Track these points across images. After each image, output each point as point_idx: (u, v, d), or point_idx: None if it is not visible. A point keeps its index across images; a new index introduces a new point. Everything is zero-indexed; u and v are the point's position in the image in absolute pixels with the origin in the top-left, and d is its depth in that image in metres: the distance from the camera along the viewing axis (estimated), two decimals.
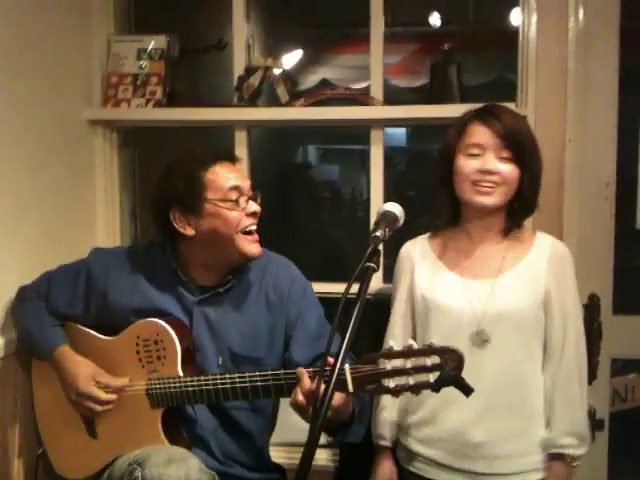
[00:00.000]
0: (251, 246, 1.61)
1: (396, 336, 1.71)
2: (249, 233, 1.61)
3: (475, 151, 1.57)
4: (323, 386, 1.16)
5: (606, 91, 2.11)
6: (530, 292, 1.61)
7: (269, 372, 1.48)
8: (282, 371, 1.48)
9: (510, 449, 1.61)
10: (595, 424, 2.16)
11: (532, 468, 1.63)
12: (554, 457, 1.62)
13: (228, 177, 1.60)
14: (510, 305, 1.60)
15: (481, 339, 1.59)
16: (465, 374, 1.47)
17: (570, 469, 1.64)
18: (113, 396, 1.62)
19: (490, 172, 1.55)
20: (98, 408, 1.62)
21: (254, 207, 1.62)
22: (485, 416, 1.60)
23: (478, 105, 1.67)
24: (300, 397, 1.35)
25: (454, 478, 1.63)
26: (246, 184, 1.63)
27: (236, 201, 1.58)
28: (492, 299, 1.60)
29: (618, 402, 2.18)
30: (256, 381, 1.48)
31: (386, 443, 1.72)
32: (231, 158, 1.66)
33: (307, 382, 1.35)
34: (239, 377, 1.50)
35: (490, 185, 1.56)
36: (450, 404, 1.60)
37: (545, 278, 1.61)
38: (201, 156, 1.62)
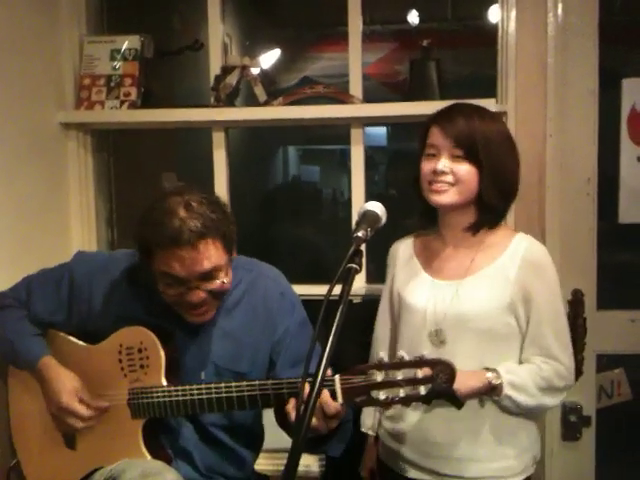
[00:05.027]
0: (195, 318, 1.54)
1: (379, 334, 1.76)
2: (194, 308, 1.52)
3: (431, 151, 1.60)
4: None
5: (586, 86, 2.10)
6: (496, 296, 1.57)
7: (256, 382, 1.45)
8: (270, 381, 1.44)
9: (470, 453, 1.59)
10: (582, 421, 2.15)
11: (498, 475, 1.59)
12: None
13: (173, 266, 1.46)
14: (471, 308, 1.56)
15: (439, 339, 1.58)
16: None
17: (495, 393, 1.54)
18: (93, 412, 1.57)
19: (442, 172, 1.56)
20: (79, 424, 1.58)
21: (195, 298, 1.49)
22: (448, 417, 1.57)
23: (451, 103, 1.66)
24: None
25: (422, 476, 1.62)
26: (198, 272, 1.46)
27: (178, 291, 1.49)
28: (455, 301, 1.58)
29: (604, 398, 2.17)
30: (243, 391, 1.45)
31: (366, 430, 1.76)
32: (188, 243, 1.44)
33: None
34: (225, 387, 1.47)
35: (442, 184, 1.57)
36: None
37: (514, 283, 1.56)
38: (159, 230, 1.44)
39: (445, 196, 1.58)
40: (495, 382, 1.52)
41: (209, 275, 1.48)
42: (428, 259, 1.68)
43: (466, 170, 1.56)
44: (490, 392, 1.53)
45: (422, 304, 1.61)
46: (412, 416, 1.62)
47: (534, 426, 1.66)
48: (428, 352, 1.46)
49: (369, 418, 1.76)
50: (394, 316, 1.72)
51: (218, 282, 1.49)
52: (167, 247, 1.44)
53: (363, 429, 1.77)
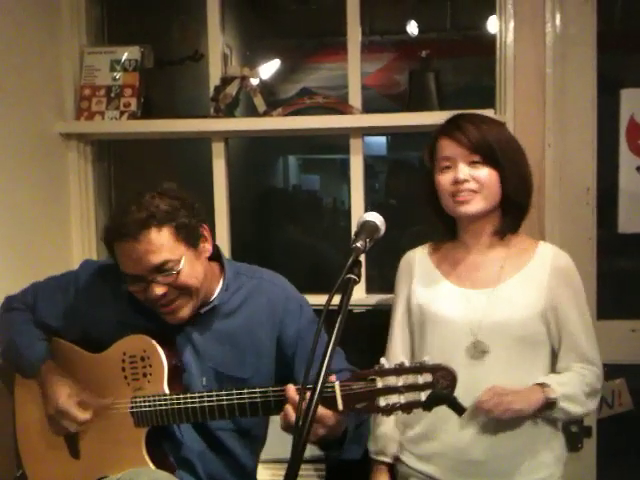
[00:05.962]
0: (168, 316, 1.54)
1: (397, 350, 1.69)
2: (163, 305, 1.52)
3: (446, 164, 1.59)
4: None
5: (584, 96, 2.11)
6: (530, 303, 1.57)
7: (257, 389, 1.44)
8: (270, 388, 1.43)
9: (512, 467, 1.58)
10: (583, 431, 2.14)
11: None
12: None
13: (125, 263, 1.48)
14: (507, 316, 1.56)
15: (478, 351, 1.56)
16: (463, 388, 1.45)
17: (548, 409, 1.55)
18: (89, 416, 1.57)
19: (464, 180, 1.55)
20: (73, 427, 1.58)
21: (155, 292, 1.47)
22: (486, 432, 1.56)
23: (451, 113, 1.66)
24: (291, 415, 1.31)
25: None
26: (146, 266, 1.45)
27: (140, 288, 1.49)
28: (489, 309, 1.57)
29: (605, 408, 2.16)
30: (244, 398, 1.44)
31: (387, 459, 1.68)
32: (129, 235, 1.44)
33: (297, 398, 1.30)
34: (226, 395, 1.46)
35: (467, 193, 1.56)
36: (449, 419, 1.56)
37: (547, 291, 1.58)
38: (114, 224, 1.47)
39: (471, 205, 1.57)
40: (552, 396, 1.52)
41: (161, 268, 1.46)
42: (451, 269, 1.66)
43: (487, 174, 1.56)
44: (545, 407, 1.53)
45: (453, 315, 1.59)
46: (445, 436, 1.58)
47: (561, 433, 1.66)
48: (464, 365, 1.49)
49: (389, 445, 1.67)
50: (414, 331, 1.67)
51: (174, 274, 1.47)
52: (115, 242, 1.47)
53: (379, 457, 1.68)
